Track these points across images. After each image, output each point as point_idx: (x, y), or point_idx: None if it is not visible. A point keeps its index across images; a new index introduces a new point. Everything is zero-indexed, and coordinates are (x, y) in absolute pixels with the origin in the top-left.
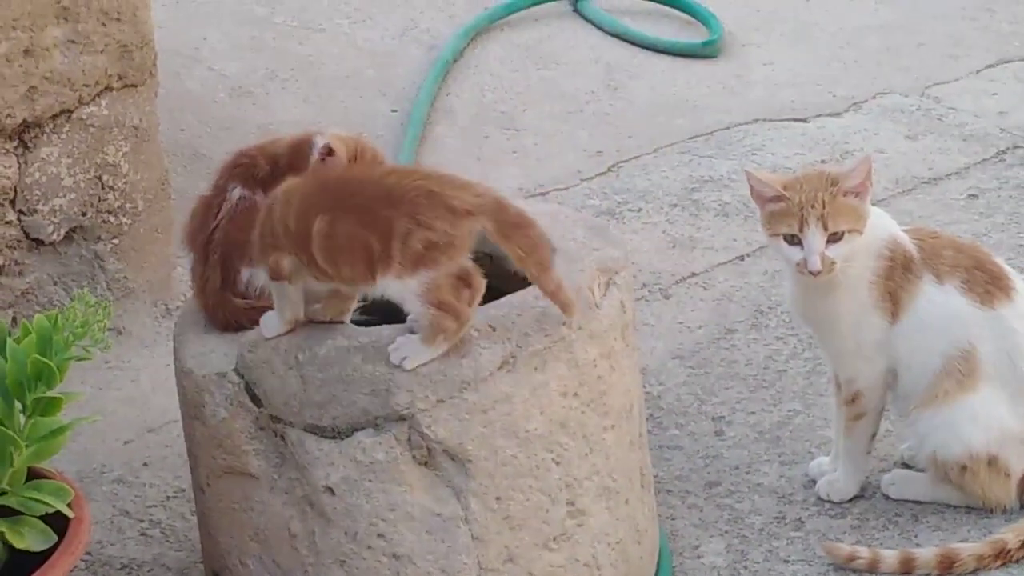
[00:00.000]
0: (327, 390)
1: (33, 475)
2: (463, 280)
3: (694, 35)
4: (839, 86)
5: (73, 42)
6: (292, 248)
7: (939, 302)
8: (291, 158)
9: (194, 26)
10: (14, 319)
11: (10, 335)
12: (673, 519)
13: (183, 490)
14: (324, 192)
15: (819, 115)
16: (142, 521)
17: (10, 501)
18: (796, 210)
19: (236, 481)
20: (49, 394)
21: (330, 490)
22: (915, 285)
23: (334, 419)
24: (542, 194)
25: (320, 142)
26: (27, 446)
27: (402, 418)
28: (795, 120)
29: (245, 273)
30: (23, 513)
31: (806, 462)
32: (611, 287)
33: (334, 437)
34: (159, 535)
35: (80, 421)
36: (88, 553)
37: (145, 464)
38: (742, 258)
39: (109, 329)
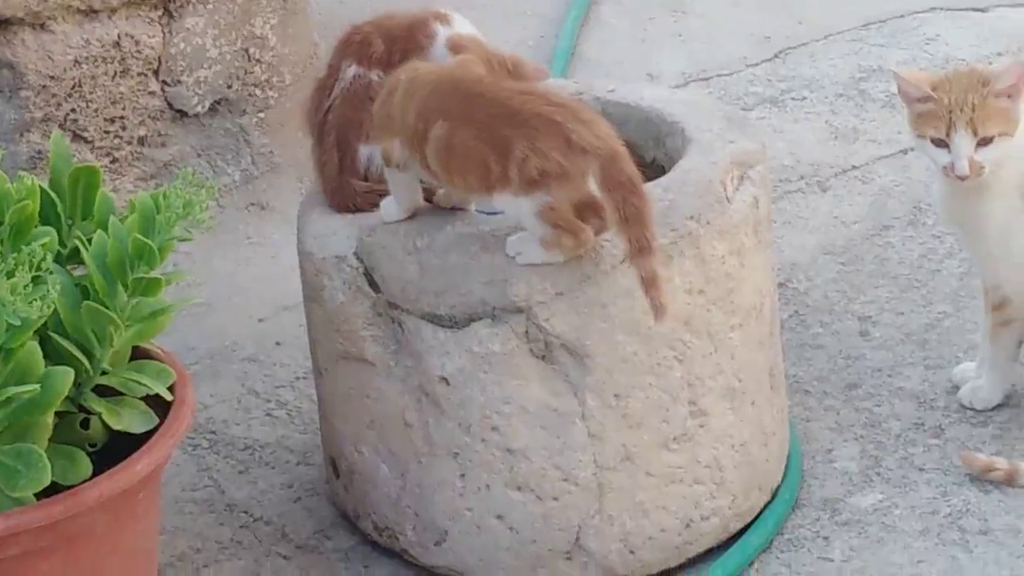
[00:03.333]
0: (445, 277)
1: (139, 355)
2: (592, 209)
3: None
4: None
5: None
6: (407, 141)
7: None
8: (407, 41)
9: None
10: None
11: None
12: (808, 421)
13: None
14: (451, 96)
15: (999, 5)
16: (269, 401)
17: (112, 381)
18: (944, 112)
19: (353, 367)
20: (152, 275)
21: (445, 380)
22: None
23: (451, 308)
24: (704, 79)
25: (441, 31)
26: (128, 326)
27: (519, 310)
28: (974, 10)
29: (364, 153)
30: (124, 394)
31: (952, 367)
32: (745, 181)
33: (451, 326)
34: (284, 416)
35: (184, 303)
36: (212, 432)
37: (278, 343)
38: (905, 152)
39: (252, 204)
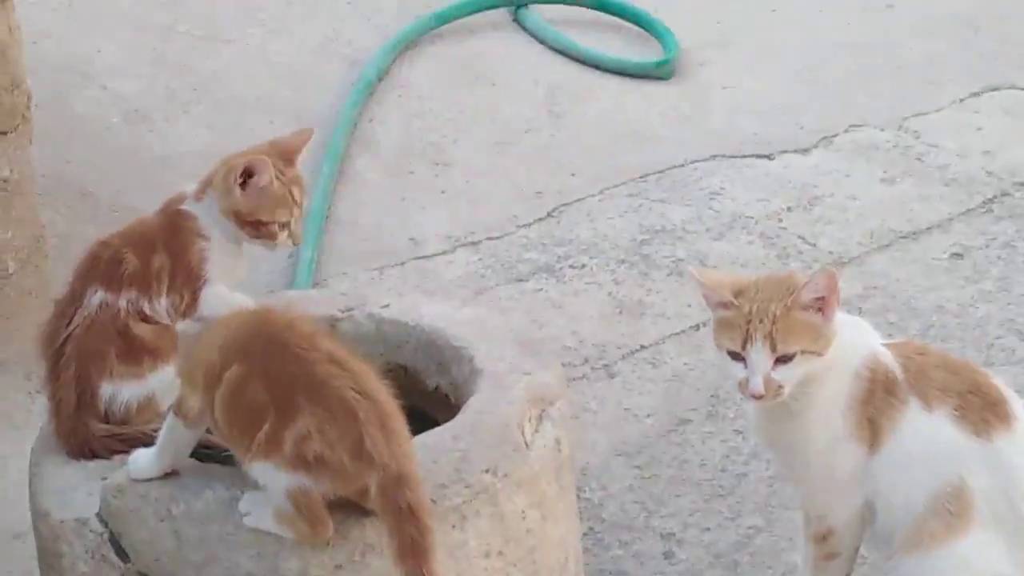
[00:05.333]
0: (205, 549)
1: None
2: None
3: (646, 51)
4: (807, 116)
5: None
6: (205, 382)
7: (927, 431)
8: (169, 233)
9: (87, 35)
10: None
11: None
12: None
13: None
14: (255, 338)
15: (785, 151)
16: None
17: None
18: (743, 322)
19: None
20: None
21: None
22: (899, 411)
23: None
24: (472, 243)
25: (188, 190)
26: None
27: None
28: (758, 157)
29: (106, 390)
30: None
31: None
32: (544, 421)
33: None
34: None
35: None
36: None
37: None
38: (697, 327)
39: None
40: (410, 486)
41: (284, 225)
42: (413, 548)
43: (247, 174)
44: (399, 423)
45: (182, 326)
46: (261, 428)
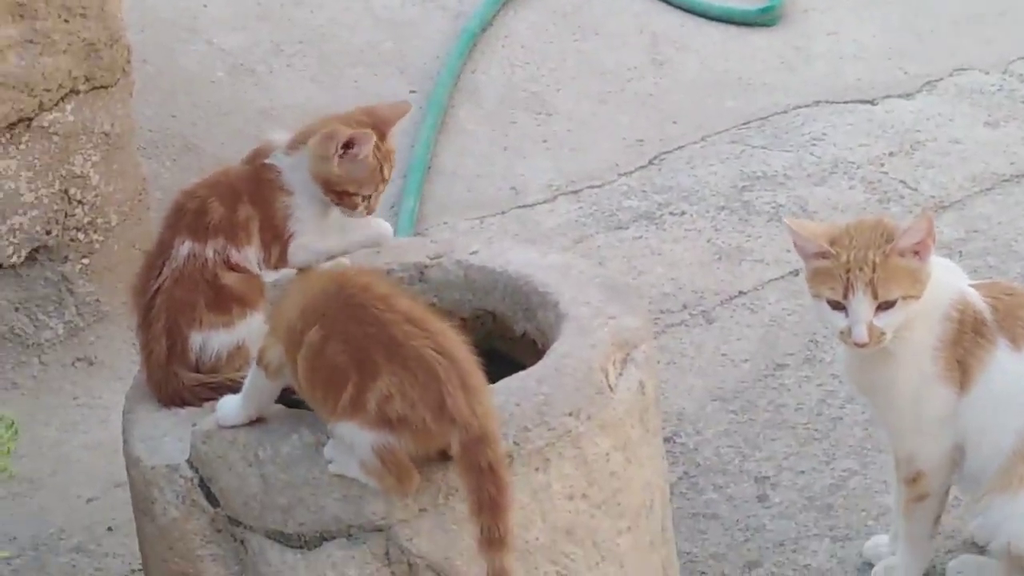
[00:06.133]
0: (292, 492)
1: None
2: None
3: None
4: (911, 61)
5: (31, 42)
6: (286, 343)
7: (1015, 372)
8: (253, 184)
9: None
10: None
11: None
12: None
13: None
14: (333, 301)
15: (888, 96)
16: None
17: None
18: (842, 271)
19: None
20: None
21: None
22: (987, 352)
23: (300, 525)
24: (573, 192)
25: (277, 141)
26: None
27: (378, 529)
28: (861, 102)
29: (196, 340)
30: None
31: (862, 538)
32: (628, 364)
33: (300, 547)
34: None
35: None
36: None
37: (109, 528)
38: (796, 273)
39: (79, 359)
40: (491, 444)
41: (366, 197)
42: (491, 504)
43: (348, 145)
44: (479, 380)
45: (270, 276)
46: (343, 390)
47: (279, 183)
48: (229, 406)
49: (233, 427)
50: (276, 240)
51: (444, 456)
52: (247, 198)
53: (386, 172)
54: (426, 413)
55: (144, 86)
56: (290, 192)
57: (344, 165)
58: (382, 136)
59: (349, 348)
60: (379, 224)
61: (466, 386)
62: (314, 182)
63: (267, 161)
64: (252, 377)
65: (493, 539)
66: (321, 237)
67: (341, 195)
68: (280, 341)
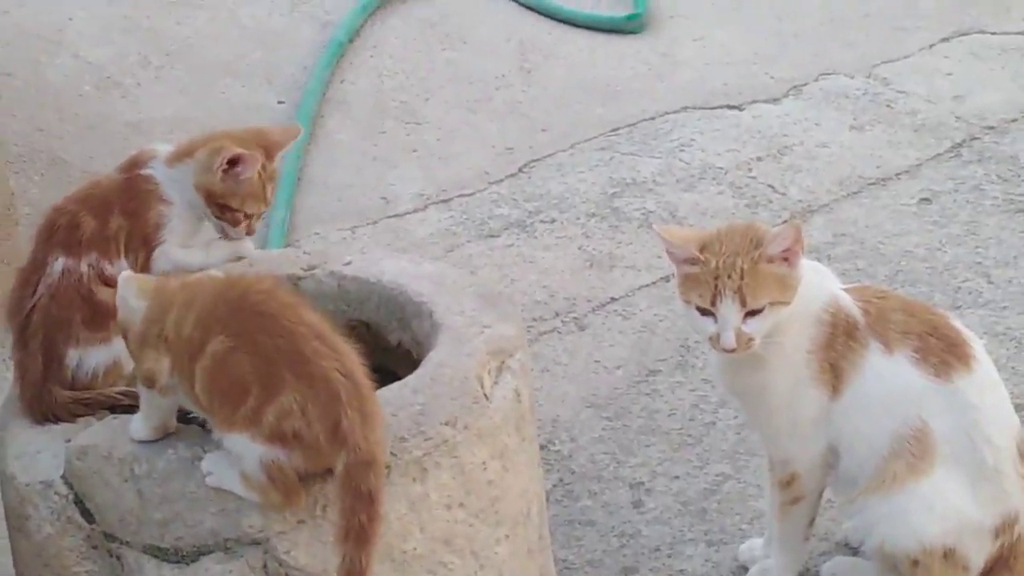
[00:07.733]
0: (168, 507)
1: None
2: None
3: (617, 6)
4: (777, 66)
5: None
6: (178, 357)
7: (887, 374)
8: (126, 194)
9: (58, 4)
10: None
11: None
12: None
13: None
14: (238, 310)
15: (755, 101)
16: None
17: None
18: (711, 279)
19: None
20: None
21: None
22: (860, 355)
23: (177, 540)
24: (444, 201)
25: (159, 152)
26: None
27: (256, 542)
28: (728, 108)
29: (72, 357)
30: None
31: (736, 542)
32: (504, 373)
33: (178, 561)
34: None
35: None
36: None
37: None
38: (667, 279)
39: None
40: (375, 471)
41: (248, 216)
42: (359, 533)
43: (233, 163)
44: (375, 406)
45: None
46: (244, 402)
47: (158, 193)
48: (136, 424)
49: (109, 442)
50: (143, 246)
51: (326, 471)
52: (118, 208)
53: (269, 194)
54: (321, 432)
55: (10, 100)
56: (169, 202)
57: (227, 180)
58: (270, 158)
59: (256, 360)
60: (242, 243)
61: (363, 412)
62: (197, 193)
63: (144, 171)
64: (146, 399)
65: (352, 571)
66: (186, 251)
67: (224, 209)
68: (164, 354)
